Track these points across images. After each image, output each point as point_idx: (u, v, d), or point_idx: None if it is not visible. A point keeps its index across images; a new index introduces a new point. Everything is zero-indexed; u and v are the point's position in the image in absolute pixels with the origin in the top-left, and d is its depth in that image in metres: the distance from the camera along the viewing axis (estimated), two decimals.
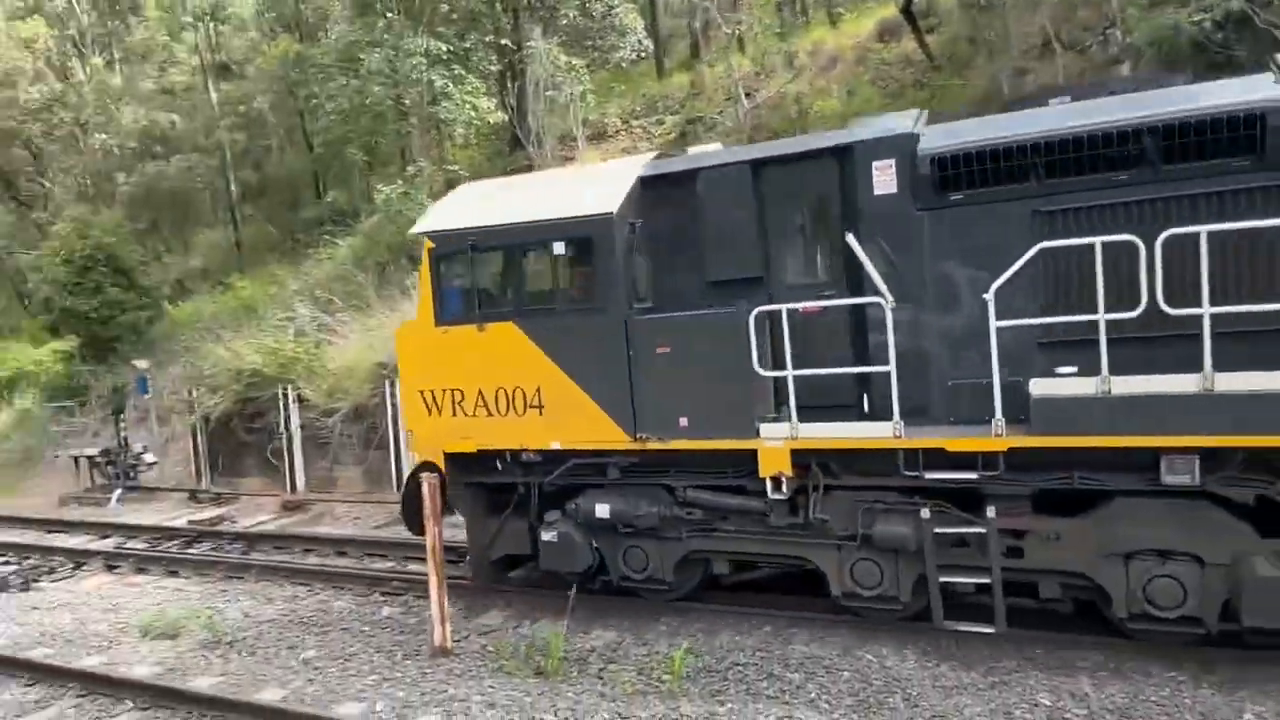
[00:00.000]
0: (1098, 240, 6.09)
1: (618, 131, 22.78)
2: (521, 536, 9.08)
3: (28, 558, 13.58)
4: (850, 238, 7.14)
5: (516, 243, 8.35)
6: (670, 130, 21.68)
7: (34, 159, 32.62)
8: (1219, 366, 5.82)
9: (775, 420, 7.49)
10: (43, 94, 30.35)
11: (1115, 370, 6.12)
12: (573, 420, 8.13)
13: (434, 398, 8.83)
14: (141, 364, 19.85)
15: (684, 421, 7.66)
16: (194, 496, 17.48)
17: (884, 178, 7.18)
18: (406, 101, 20.44)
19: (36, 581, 12.22)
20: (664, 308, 8.09)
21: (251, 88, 29.22)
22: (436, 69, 19.20)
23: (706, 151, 8.58)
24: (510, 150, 22.59)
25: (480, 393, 8.55)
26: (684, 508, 8.14)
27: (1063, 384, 6.39)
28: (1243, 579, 6.11)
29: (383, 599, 9.97)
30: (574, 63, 20.29)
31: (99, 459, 19.00)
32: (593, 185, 8.43)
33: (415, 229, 9.21)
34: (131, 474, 18.53)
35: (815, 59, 20.99)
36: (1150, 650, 6.75)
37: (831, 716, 6.40)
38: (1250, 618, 6.14)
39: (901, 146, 7.17)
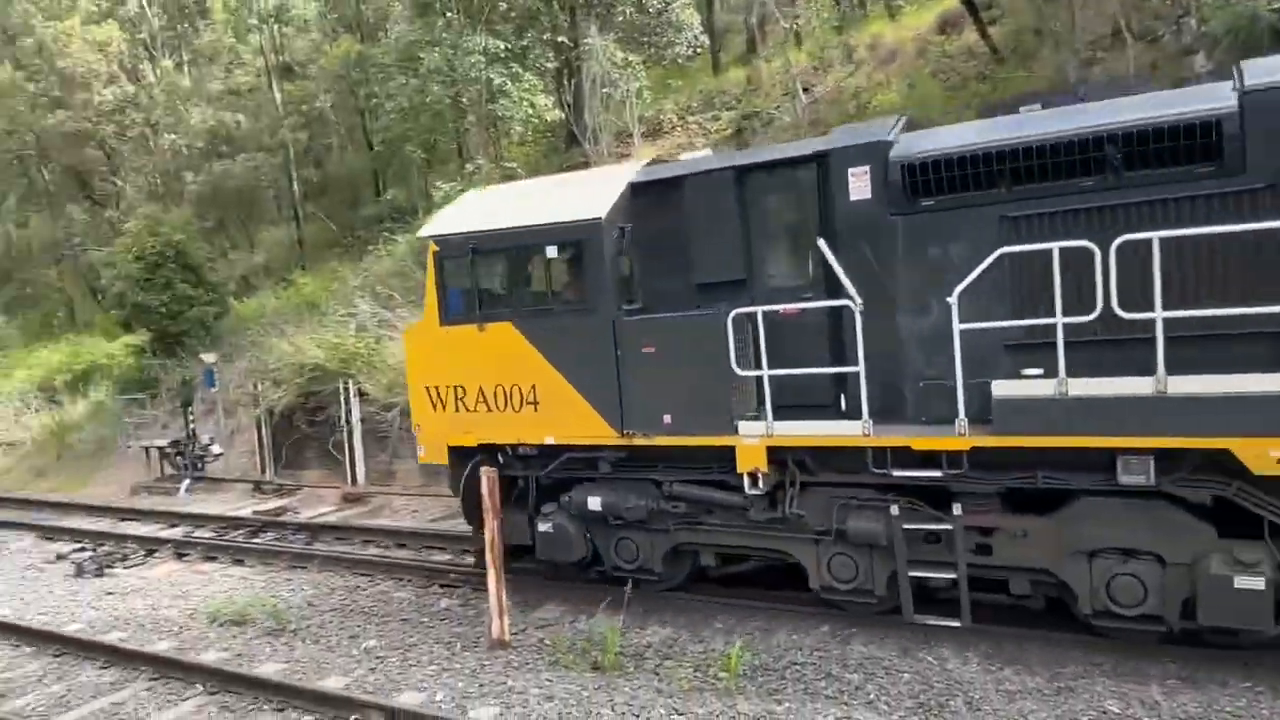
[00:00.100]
0: (1055, 246, 6.22)
1: (674, 128, 22.73)
2: (522, 527, 9.36)
3: (102, 544, 14.07)
4: (821, 242, 7.35)
5: (513, 246, 8.73)
6: (726, 126, 21.56)
7: (107, 159, 33.67)
8: (1176, 370, 5.95)
9: (755, 418, 7.67)
10: (116, 96, 31.29)
11: (1080, 372, 6.26)
12: (565, 416, 8.48)
13: (438, 393, 9.27)
14: (209, 358, 20.35)
15: (667, 418, 7.96)
16: (258, 487, 17.88)
17: (859, 184, 7.40)
18: (464, 100, 20.66)
19: (111, 568, 12.64)
20: (655, 309, 8.40)
21: (314, 87, 29.78)
22: (494, 67, 19.38)
23: (697, 158, 8.92)
24: (566, 147, 22.69)
25: (481, 389, 8.96)
26: (670, 501, 8.40)
27: (1023, 385, 6.54)
28: (1199, 578, 6.28)
29: (441, 591, 10.11)
30: (630, 59, 20.32)
31: (168, 450, 19.53)
32: (585, 191, 8.83)
33: (421, 233, 9.64)
34: (199, 465, 19.02)
35: (874, 53, 20.68)
36: (1226, 660, 6.56)
37: (891, 719, 6.33)
38: (1205, 616, 6.31)
39: (875, 154, 7.36)
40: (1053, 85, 14.76)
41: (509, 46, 19.95)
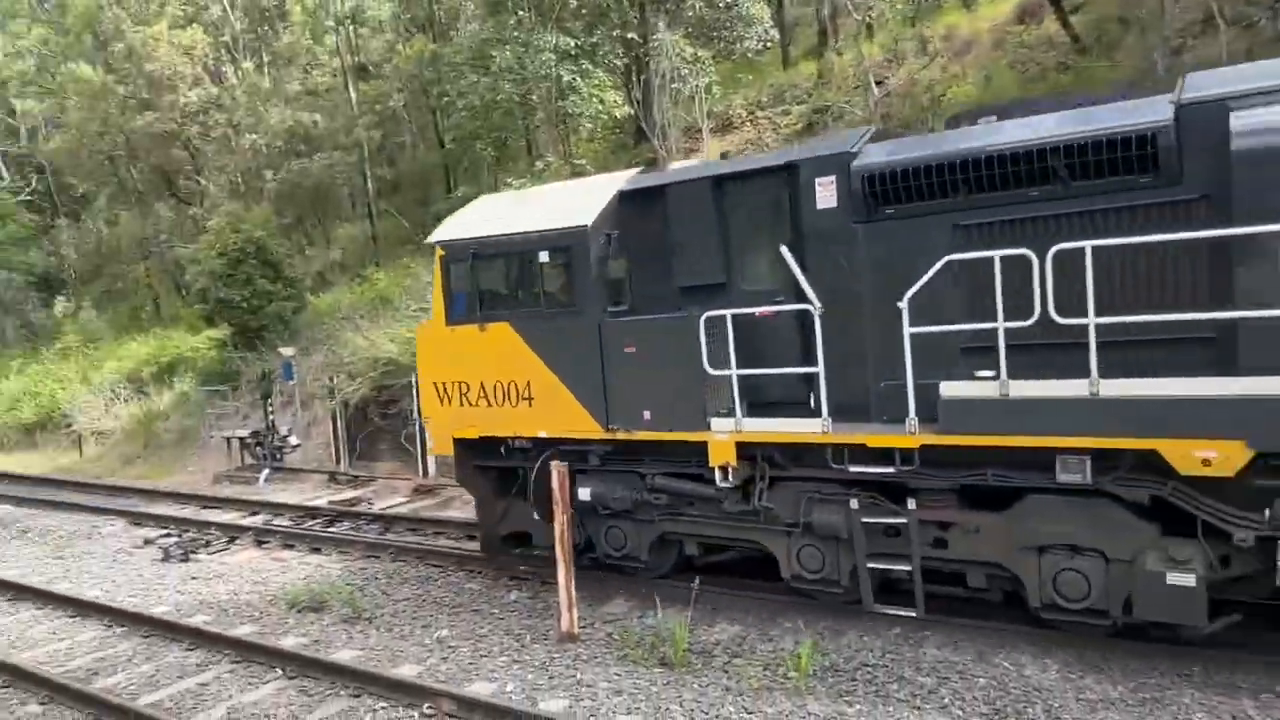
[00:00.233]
0: (996, 254, 6.52)
1: (743, 123, 22.59)
2: (525, 515, 9.99)
3: (187, 531, 14.60)
4: (784, 249, 7.79)
5: (509, 251, 9.33)
6: (797, 121, 21.35)
7: (192, 158, 34.83)
8: (1115, 373, 6.24)
9: (728, 415, 8.06)
10: (200, 98, 32.33)
11: (1026, 375, 6.58)
12: (557, 411, 9.05)
13: (445, 389, 9.94)
14: (287, 351, 20.92)
15: (647, 415, 8.46)
16: (333, 478, 18.31)
17: (825, 193, 7.78)
18: (534, 97, 20.82)
19: (195, 553, 13.10)
20: (643, 311, 8.89)
21: (387, 87, 30.34)
22: (564, 64, 19.49)
23: (683, 167, 9.45)
24: (634, 143, 22.73)
25: (482, 385, 9.61)
26: (653, 493, 8.90)
27: (968, 386, 6.84)
28: (1136, 574, 6.56)
29: (511, 583, 10.23)
30: (699, 54, 20.23)
31: (248, 440, 20.11)
32: (575, 199, 9.36)
33: (430, 238, 10.23)
34: (278, 455, 19.56)
35: (949, 44, 20.25)
36: None
37: None
38: (1141, 611, 6.59)
39: (839, 164, 7.72)
40: (1138, 75, 14.29)
41: (579, 43, 20.04)
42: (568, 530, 8.32)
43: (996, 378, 6.64)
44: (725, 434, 8.02)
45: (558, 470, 8.33)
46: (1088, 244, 6.14)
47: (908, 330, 6.87)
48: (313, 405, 21.28)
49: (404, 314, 20.62)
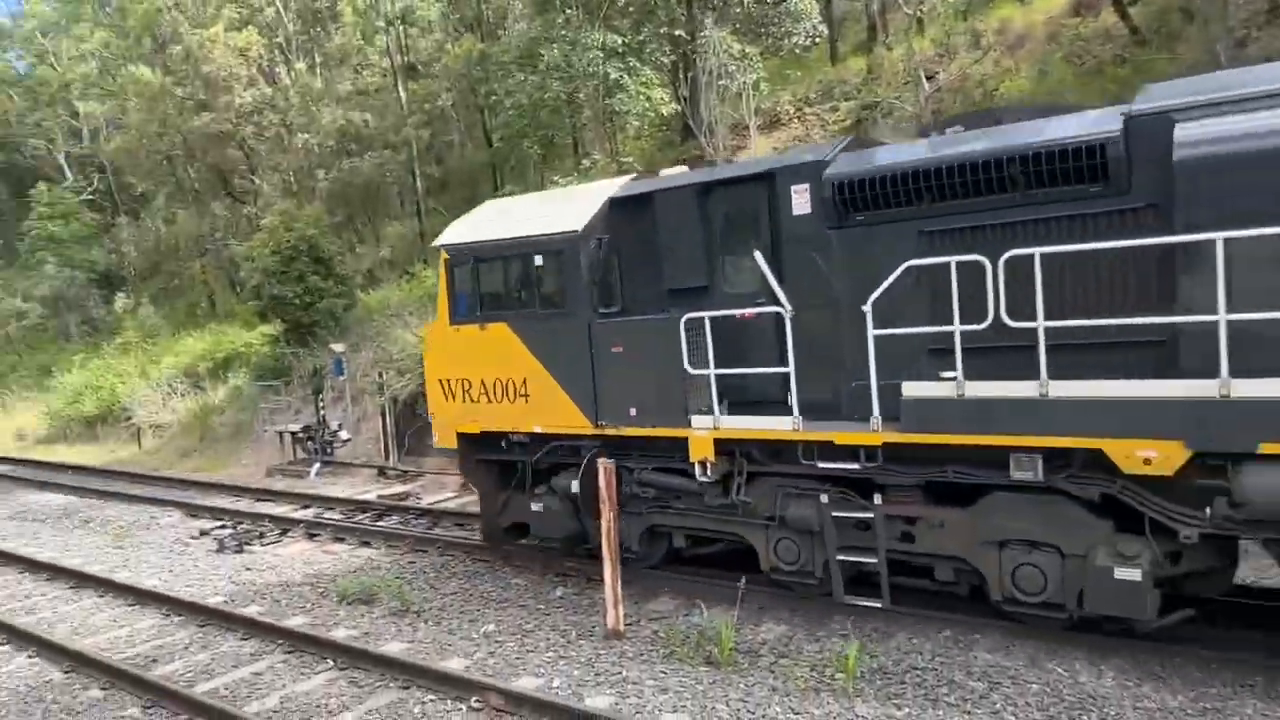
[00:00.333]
0: (953, 260, 6.76)
1: (790, 119, 22.44)
2: (524, 507, 10.44)
3: (241, 523, 14.92)
4: (757, 254, 8.05)
5: (507, 255, 9.75)
6: (845, 117, 21.15)
7: (246, 158, 35.58)
8: (1067, 375, 6.47)
9: (708, 413, 8.38)
10: (254, 98, 32.98)
11: (987, 376, 6.84)
12: (551, 408, 9.49)
13: (449, 386, 10.45)
14: (338, 347, 21.24)
15: (633, 411, 8.85)
16: (382, 473, 18.56)
17: (800, 200, 8.08)
18: (581, 95, 20.89)
19: (249, 545, 13.38)
20: (633, 312, 9.25)
21: (436, 86, 30.68)
22: (612, 62, 19.53)
23: (672, 174, 9.70)
24: (681, 140, 22.70)
25: (482, 382, 10.09)
26: (641, 486, 9.23)
27: (929, 387, 7.11)
28: (1087, 569, 6.77)
29: (556, 579, 10.29)
30: (747, 50, 20.13)
31: (300, 434, 20.44)
32: (569, 206, 9.75)
33: (435, 242, 10.69)
34: (328, 449, 19.87)
35: (1002, 38, 19.89)
36: None
37: None
38: (1091, 605, 6.80)
39: (812, 172, 7.99)
40: (1200, 67, 13.89)
41: (626, 41, 20.07)
42: (614, 528, 8.34)
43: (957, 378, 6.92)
44: (705, 430, 8.36)
45: (605, 469, 8.35)
46: (1036, 251, 6.38)
47: (871, 332, 7.19)
48: (362, 401, 21.60)
49: None
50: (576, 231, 9.15)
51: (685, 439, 8.50)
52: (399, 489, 16.78)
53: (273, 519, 14.78)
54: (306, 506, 15.95)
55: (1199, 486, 6.24)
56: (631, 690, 7.13)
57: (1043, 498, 6.96)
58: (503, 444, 10.35)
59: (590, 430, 9.21)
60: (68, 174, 48.45)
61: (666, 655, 7.79)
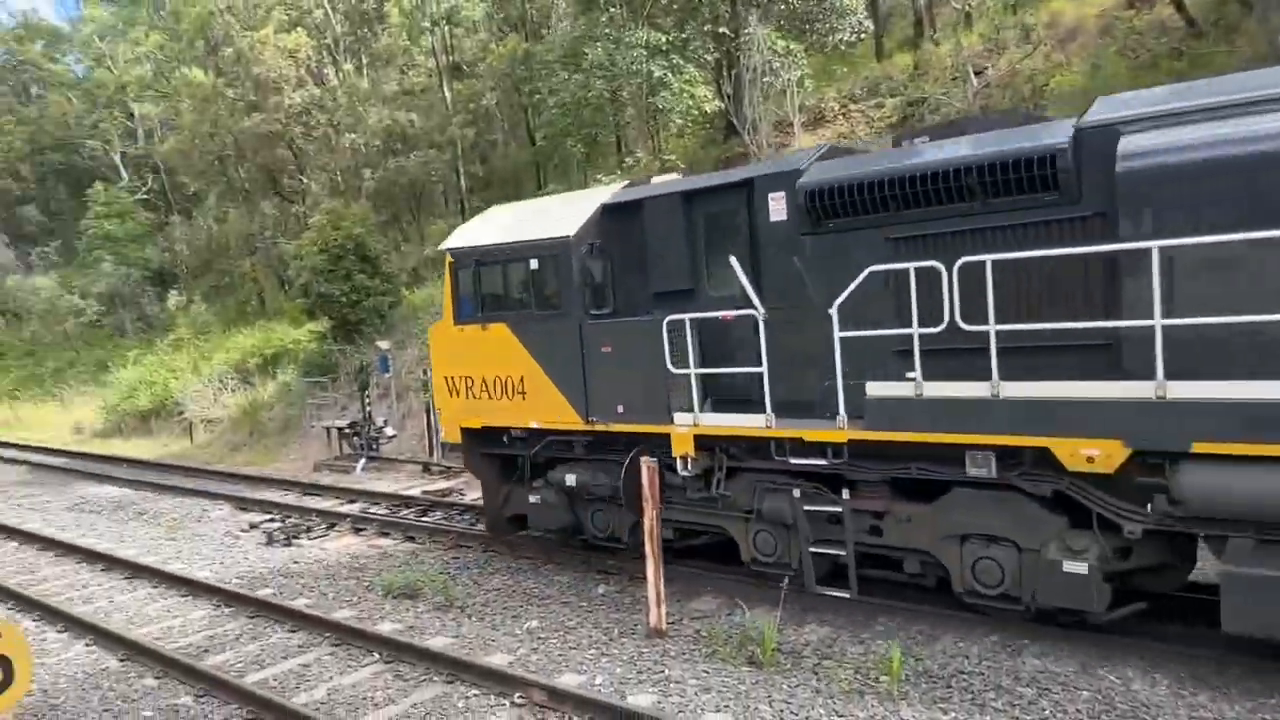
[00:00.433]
0: (911, 266, 7.09)
1: (835, 116, 22.25)
2: (524, 500, 10.92)
3: (289, 516, 15.18)
4: (732, 259, 8.42)
5: (506, 259, 10.24)
6: (891, 114, 20.92)
7: (295, 158, 36.13)
8: (1020, 377, 6.76)
9: (688, 410, 8.78)
10: (303, 99, 33.48)
11: (947, 377, 7.12)
12: (545, 404, 9.97)
13: (454, 383, 10.98)
14: (383, 345, 21.50)
15: (620, 408, 9.30)
16: (426, 469, 18.75)
17: (777, 207, 8.47)
18: (625, 93, 20.90)
19: (297, 538, 13.61)
20: (624, 314, 9.68)
21: (481, 86, 30.92)
22: (655, 60, 19.52)
23: (664, 181, 10.12)
24: (725, 138, 22.62)
25: (484, 380, 10.60)
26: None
27: (891, 387, 7.43)
28: (1039, 563, 7.04)
29: (598, 577, 10.32)
30: (791, 47, 19.99)
31: (347, 430, 20.72)
32: (564, 211, 10.20)
33: (441, 246, 11.18)
34: (374, 445, 20.10)
35: (1052, 31, 19.53)
36: None
37: None
38: (1043, 597, 7.08)
39: (787, 181, 8.37)
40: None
41: (670, 39, 20.04)
42: (656, 526, 8.34)
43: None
44: (685, 427, 8.78)
45: (647, 466, 8.36)
46: (989, 257, 6.65)
47: (837, 334, 7.55)
48: (407, 397, 21.84)
49: None
50: (569, 236, 9.57)
51: (668, 435, 8.87)
52: (443, 485, 16.94)
53: (320, 513, 15.00)
54: (352, 501, 16.17)
55: (1140, 484, 6.52)
56: (674, 689, 7.13)
57: (1000, 494, 7.25)
58: (504, 439, 10.84)
59: (581, 426, 9.67)
60: (123, 174, 49.72)
61: (709, 655, 7.77)
